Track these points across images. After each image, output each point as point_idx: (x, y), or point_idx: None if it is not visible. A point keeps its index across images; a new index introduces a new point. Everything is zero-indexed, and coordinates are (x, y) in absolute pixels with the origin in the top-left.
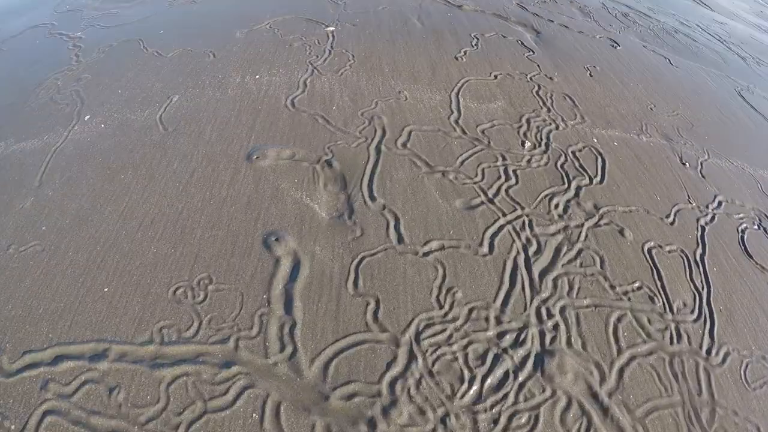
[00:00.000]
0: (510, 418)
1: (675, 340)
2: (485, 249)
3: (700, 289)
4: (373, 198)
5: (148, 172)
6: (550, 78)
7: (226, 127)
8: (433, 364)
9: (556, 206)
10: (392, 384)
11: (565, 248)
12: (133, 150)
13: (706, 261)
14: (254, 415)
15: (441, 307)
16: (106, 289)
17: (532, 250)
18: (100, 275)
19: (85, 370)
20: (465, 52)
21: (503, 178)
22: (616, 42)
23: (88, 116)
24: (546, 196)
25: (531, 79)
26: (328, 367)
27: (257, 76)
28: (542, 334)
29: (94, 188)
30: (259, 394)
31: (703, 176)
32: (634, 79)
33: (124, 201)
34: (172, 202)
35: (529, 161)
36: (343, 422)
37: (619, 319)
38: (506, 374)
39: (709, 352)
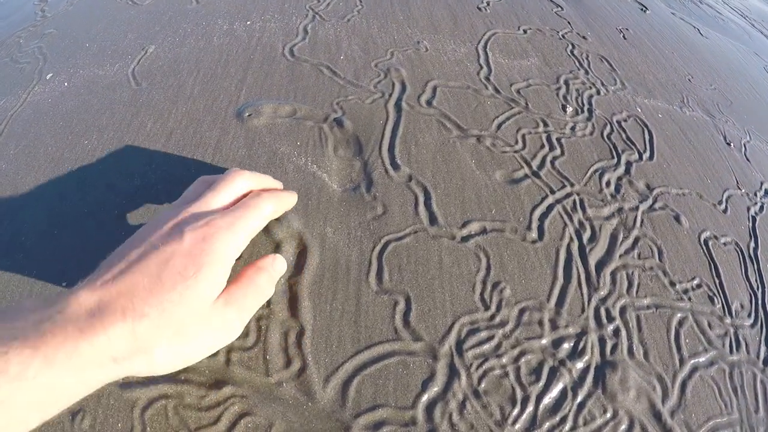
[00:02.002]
0: None
1: (734, 349)
2: (534, 234)
3: (756, 290)
4: (395, 166)
5: (116, 135)
6: (584, 37)
7: (211, 80)
8: (479, 382)
9: (608, 184)
10: (430, 408)
11: (621, 236)
12: (100, 110)
13: (759, 256)
14: None
15: (486, 307)
16: (64, 284)
17: (586, 236)
18: (56, 265)
19: None
20: (488, 3)
21: (547, 147)
22: (644, 6)
23: (50, 75)
24: (596, 171)
25: (563, 36)
26: (347, 387)
27: (248, 23)
28: (602, 342)
29: (52, 157)
30: (259, 424)
31: (748, 159)
32: (668, 47)
33: (87, 172)
34: (144, 173)
35: (573, 129)
36: None
37: (680, 323)
38: (564, 392)
39: (765, 362)
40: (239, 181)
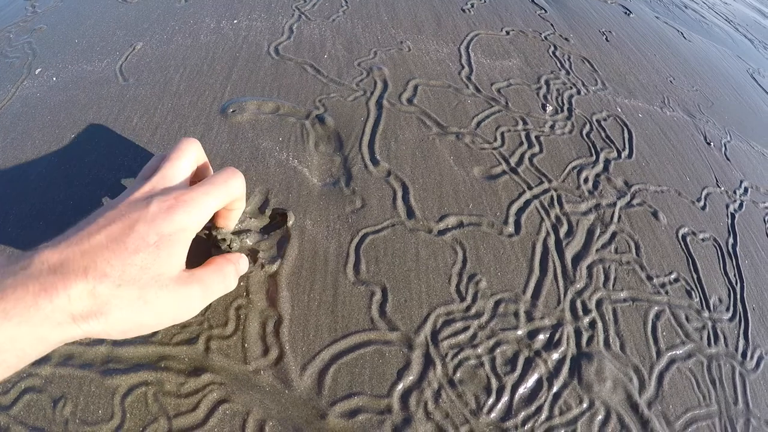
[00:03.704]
0: None
1: (712, 342)
2: (511, 228)
3: (734, 284)
4: (375, 161)
5: (103, 129)
6: (566, 39)
7: (197, 77)
8: (454, 372)
9: (586, 181)
10: (405, 397)
11: (598, 230)
12: (87, 105)
13: (738, 252)
14: None
15: (462, 299)
16: None
17: (563, 231)
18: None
19: (25, 375)
20: (472, 5)
21: (525, 144)
22: (628, 9)
23: (39, 69)
24: (574, 168)
25: (546, 38)
26: (324, 375)
27: (235, 21)
28: (578, 333)
29: (39, 151)
30: (237, 411)
31: (727, 158)
32: (651, 49)
33: (74, 165)
34: (130, 167)
35: (552, 127)
36: None
37: (657, 316)
38: (539, 382)
39: (744, 355)
40: (190, 149)
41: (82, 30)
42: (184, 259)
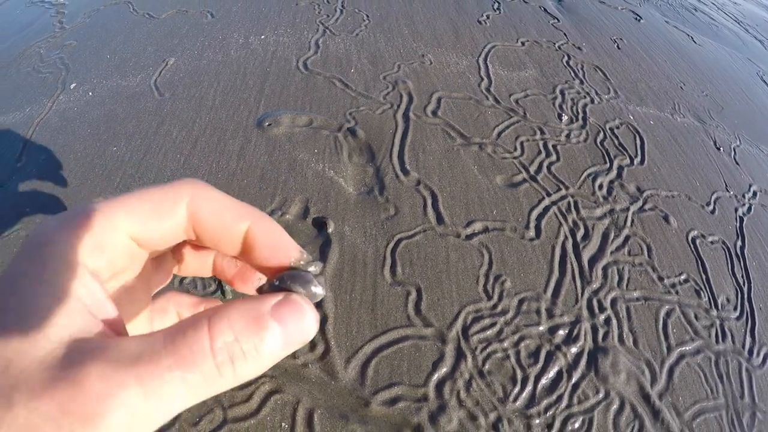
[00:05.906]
0: (564, 423)
1: (720, 339)
2: (532, 233)
3: (742, 285)
4: (405, 171)
5: (144, 142)
6: (579, 48)
7: (231, 92)
8: (483, 363)
9: (600, 187)
10: (440, 386)
11: (612, 234)
12: (126, 119)
13: (746, 254)
14: (283, 424)
15: (489, 297)
16: None
17: (580, 235)
18: None
19: None
20: (488, 16)
21: (543, 153)
22: (638, 15)
23: (74, 84)
24: (589, 175)
25: (560, 48)
26: (366, 367)
27: (263, 37)
28: (594, 330)
29: (82, 163)
30: (288, 401)
31: (737, 163)
32: (661, 55)
33: (117, 176)
34: (172, 177)
35: (568, 136)
36: (386, 431)
37: (668, 314)
38: (560, 374)
39: (750, 352)
40: None
41: (113, 46)
42: None
